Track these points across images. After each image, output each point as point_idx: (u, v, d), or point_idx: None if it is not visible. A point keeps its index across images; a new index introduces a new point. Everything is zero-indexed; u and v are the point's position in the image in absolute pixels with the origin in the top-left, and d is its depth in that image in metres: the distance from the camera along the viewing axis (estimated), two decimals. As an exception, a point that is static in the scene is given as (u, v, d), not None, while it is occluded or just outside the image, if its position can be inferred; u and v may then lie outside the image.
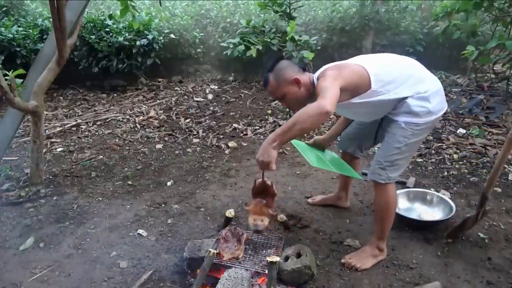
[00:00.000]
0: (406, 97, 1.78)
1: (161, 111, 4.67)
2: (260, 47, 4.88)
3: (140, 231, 2.32)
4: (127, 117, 4.49)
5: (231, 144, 3.66)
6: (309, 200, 2.60)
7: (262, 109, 4.59)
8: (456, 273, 1.89)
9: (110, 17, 4.89)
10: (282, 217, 2.26)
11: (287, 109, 4.36)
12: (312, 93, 1.88)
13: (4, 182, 2.95)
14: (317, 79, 1.83)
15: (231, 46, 5.05)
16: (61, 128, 4.14)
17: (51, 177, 3.04)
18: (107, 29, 5.20)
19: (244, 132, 3.99)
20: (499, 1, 3.86)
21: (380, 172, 1.87)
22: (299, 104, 1.85)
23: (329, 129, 2.56)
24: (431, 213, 2.37)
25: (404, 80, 1.80)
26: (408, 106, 1.78)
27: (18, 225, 2.41)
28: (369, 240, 2.07)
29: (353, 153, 2.27)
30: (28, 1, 6.15)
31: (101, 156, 3.46)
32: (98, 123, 4.36)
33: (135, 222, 2.43)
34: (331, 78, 1.71)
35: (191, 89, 5.56)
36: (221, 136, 3.91)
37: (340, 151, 2.36)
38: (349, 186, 2.50)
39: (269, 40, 4.96)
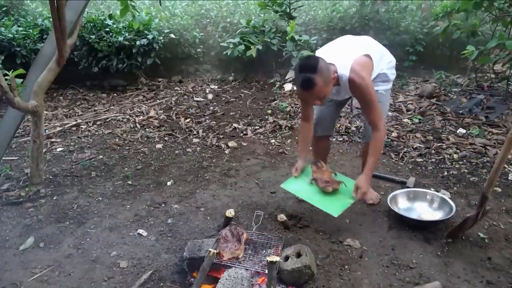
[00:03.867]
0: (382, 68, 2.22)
1: (161, 111, 4.67)
2: (260, 47, 4.89)
3: (140, 231, 2.32)
4: (127, 117, 4.49)
5: (231, 144, 3.66)
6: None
7: (262, 109, 4.59)
8: (456, 273, 1.89)
9: (110, 17, 4.89)
10: (282, 217, 2.27)
11: (287, 109, 4.36)
12: (335, 84, 2.04)
13: (4, 182, 2.95)
14: (349, 80, 1.98)
15: (231, 46, 5.05)
16: (61, 128, 4.14)
17: (51, 177, 3.04)
18: (107, 29, 5.19)
19: (244, 132, 3.99)
20: (499, 1, 3.86)
21: None
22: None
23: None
24: (431, 213, 2.37)
25: (380, 58, 2.19)
26: (386, 75, 2.24)
27: (18, 225, 2.41)
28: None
29: (327, 133, 2.51)
30: (28, 1, 6.15)
31: (101, 156, 3.46)
32: (98, 123, 4.36)
33: (135, 222, 2.43)
34: (373, 95, 2.01)
35: (191, 89, 5.56)
36: (221, 136, 3.91)
37: (316, 136, 2.48)
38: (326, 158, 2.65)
39: (269, 40, 4.96)
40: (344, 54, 2.04)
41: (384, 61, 2.22)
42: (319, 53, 2.16)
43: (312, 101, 2.04)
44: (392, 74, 2.28)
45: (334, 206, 2.12)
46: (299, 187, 2.30)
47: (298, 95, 2.12)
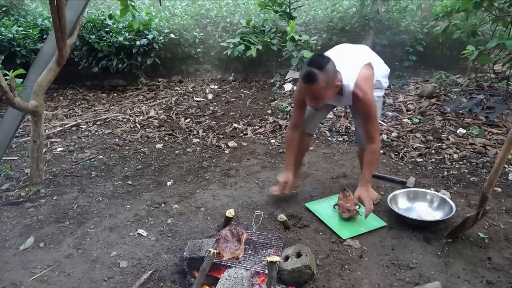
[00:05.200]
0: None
1: (161, 111, 4.67)
2: (260, 47, 4.89)
3: (140, 231, 2.32)
4: (127, 117, 4.49)
5: (231, 144, 3.66)
6: (273, 192, 2.53)
7: (262, 109, 4.59)
8: (456, 273, 1.89)
9: (110, 17, 4.89)
10: (282, 217, 2.26)
11: (287, 109, 4.36)
12: (336, 93, 2.08)
13: (4, 182, 2.95)
14: (354, 93, 2.05)
15: (231, 46, 5.05)
16: (61, 128, 4.14)
17: (51, 177, 3.04)
18: (107, 29, 5.20)
19: (244, 132, 3.99)
20: (499, 1, 3.86)
21: None
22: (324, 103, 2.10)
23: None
24: (431, 213, 2.37)
25: (377, 65, 2.24)
26: (379, 82, 2.30)
27: (18, 225, 2.41)
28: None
29: (311, 132, 2.59)
30: (28, 1, 6.15)
31: (101, 156, 3.46)
32: (98, 123, 4.36)
33: (135, 222, 2.43)
34: (374, 110, 2.09)
35: (191, 89, 5.56)
36: (221, 136, 3.91)
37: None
38: (301, 161, 2.71)
39: (269, 40, 4.97)
40: (349, 64, 2.09)
41: (380, 69, 2.30)
42: None
43: (308, 100, 2.04)
44: (385, 82, 2.37)
45: (345, 230, 2.24)
46: (321, 209, 2.47)
47: (297, 90, 2.15)
